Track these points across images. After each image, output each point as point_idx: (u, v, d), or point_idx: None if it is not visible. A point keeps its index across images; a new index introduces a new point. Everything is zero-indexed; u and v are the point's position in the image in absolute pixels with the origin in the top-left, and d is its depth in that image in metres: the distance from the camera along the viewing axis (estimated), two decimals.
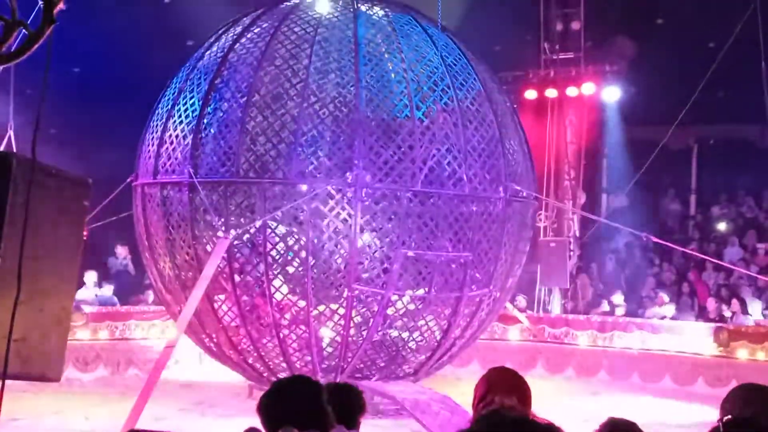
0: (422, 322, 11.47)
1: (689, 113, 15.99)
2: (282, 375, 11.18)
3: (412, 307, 11.39)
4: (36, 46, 3.97)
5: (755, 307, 15.19)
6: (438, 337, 11.53)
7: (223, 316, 11.16)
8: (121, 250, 16.01)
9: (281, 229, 11.05)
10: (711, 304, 15.32)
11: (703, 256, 16.04)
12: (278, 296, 10.98)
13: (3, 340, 4.17)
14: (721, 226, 19.26)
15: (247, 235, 10.98)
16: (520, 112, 15.52)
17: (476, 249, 11.29)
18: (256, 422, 10.57)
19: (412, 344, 11.57)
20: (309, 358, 11.12)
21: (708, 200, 20.68)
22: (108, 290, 15.27)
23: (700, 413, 11.66)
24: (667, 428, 11.03)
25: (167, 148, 11.31)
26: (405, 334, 11.48)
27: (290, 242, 11.07)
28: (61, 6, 4.11)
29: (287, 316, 11.18)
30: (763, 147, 20.26)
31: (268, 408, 3.30)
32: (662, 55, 17.81)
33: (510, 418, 1.34)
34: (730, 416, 3.14)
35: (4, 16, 3.98)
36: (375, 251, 11.11)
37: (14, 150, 11.20)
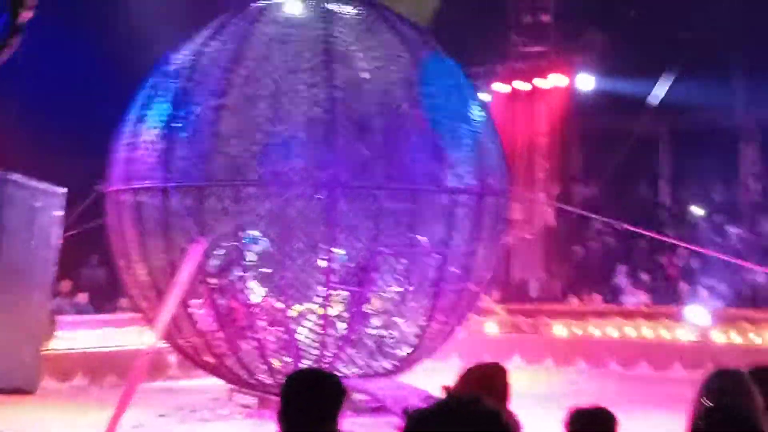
0: (400, 318, 11.49)
1: (660, 101, 16.14)
2: (261, 377, 11.17)
3: (390, 304, 11.41)
4: (4, 57, 3.95)
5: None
6: (417, 333, 11.56)
7: (200, 321, 11.12)
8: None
9: (256, 232, 11.02)
10: (684, 287, 15.48)
11: (676, 242, 16.19)
12: (255, 299, 10.95)
13: None
14: (698, 211, 19.45)
15: (221, 239, 10.93)
16: (491, 105, 15.60)
17: (452, 244, 11.32)
18: (238, 427, 10.58)
19: (391, 341, 11.59)
20: (288, 360, 11.10)
21: (679, 186, 20.87)
22: (82, 299, 15.17)
23: (679, 397, 11.75)
24: (648, 411, 11.13)
25: (139, 153, 11.23)
26: (383, 331, 11.50)
27: (266, 244, 11.04)
28: (27, 15, 4.09)
29: (264, 317, 11.15)
30: (731, 132, 20.44)
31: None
32: (631, 44, 17.94)
33: (459, 401, 1.36)
34: (709, 404, 3.19)
35: None
36: (352, 250, 11.10)
37: None
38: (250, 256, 10.94)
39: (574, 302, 16.12)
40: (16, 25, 3.91)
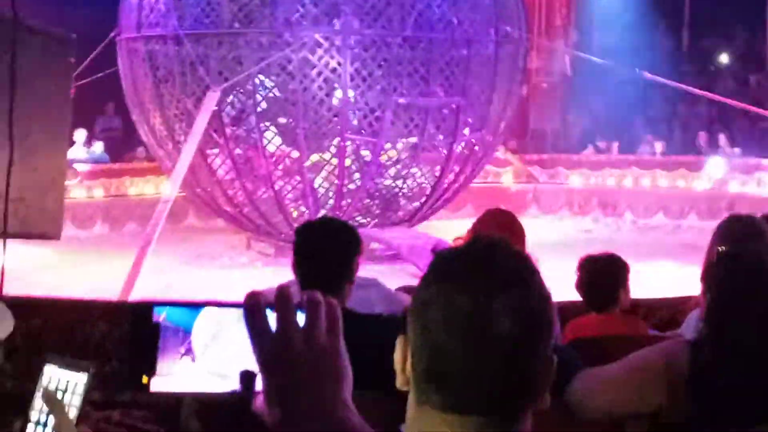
0: (415, 168, 11.53)
1: None
2: (279, 225, 11.32)
3: (404, 154, 11.42)
4: None
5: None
6: (431, 183, 11.62)
7: (217, 170, 11.19)
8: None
9: (269, 83, 10.93)
10: (702, 137, 15.39)
11: (696, 90, 15.97)
12: (271, 148, 10.98)
13: (0, 200, 4.19)
14: (723, 59, 19.08)
15: (236, 88, 10.87)
16: None
17: (468, 93, 11.21)
18: (256, 274, 10.74)
19: (406, 191, 11.67)
20: (304, 209, 11.22)
21: (701, 33, 20.41)
22: (98, 148, 15.24)
23: (692, 245, 11.88)
24: (662, 260, 11.29)
25: (149, 1, 11.04)
26: (399, 182, 11.56)
27: (279, 93, 10.98)
28: None
29: (281, 167, 11.21)
30: None
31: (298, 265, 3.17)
32: None
33: (487, 240, 1.35)
34: (723, 247, 3.22)
35: None
36: (366, 99, 11.03)
37: None
38: (265, 105, 10.90)
39: (590, 152, 16.08)
40: None
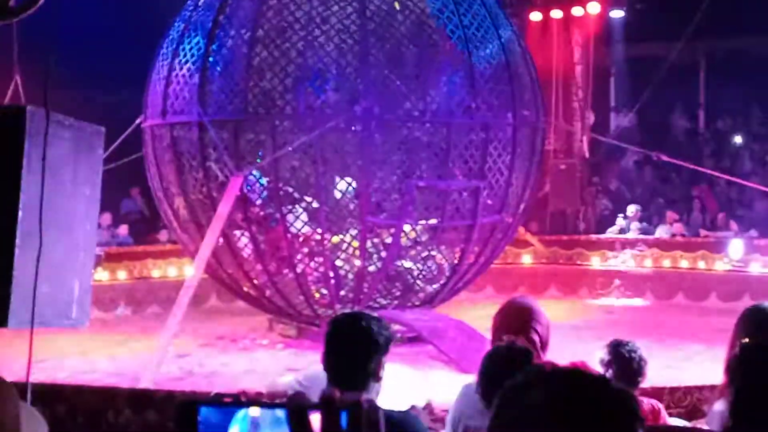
0: (435, 251, 11.58)
1: (696, 28, 15.80)
2: (301, 307, 11.36)
3: (424, 236, 11.50)
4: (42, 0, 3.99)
5: None
6: (452, 265, 11.65)
7: (239, 253, 11.29)
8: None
9: (293, 164, 11.11)
10: (722, 219, 15.39)
11: (713, 172, 16.05)
12: (293, 230, 11.08)
13: (28, 290, 4.27)
14: (737, 140, 19.18)
15: (259, 172, 11.04)
16: (525, 35, 15.40)
17: (487, 176, 11.33)
18: (277, 357, 10.77)
19: (426, 273, 11.71)
20: (326, 291, 11.27)
21: (716, 115, 20.57)
22: (123, 231, 15.42)
23: (716, 326, 11.81)
24: (683, 338, 11.22)
25: (174, 88, 11.30)
26: (419, 264, 11.61)
27: (301, 176, 11.14)
28: None
29: (304, 249, 11.29)
30: None
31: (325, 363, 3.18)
32: None
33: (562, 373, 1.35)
34: (746, 339, 3.22)
35: None
36: (386, 183, 11.16)
37: (22, 97, 11.20)
38: (288, 189, 11.04)
39: (610, 233, 16.09)
40: None
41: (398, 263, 11.49)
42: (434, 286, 11.79)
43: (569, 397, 1.29)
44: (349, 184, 11.12)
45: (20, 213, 4.32)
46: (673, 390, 4.94)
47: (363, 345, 3.11)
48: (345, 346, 3.12)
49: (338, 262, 11.31)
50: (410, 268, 11.63)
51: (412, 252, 11.58)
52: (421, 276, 11.71)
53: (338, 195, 11.12)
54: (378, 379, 3.13)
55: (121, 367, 10.13)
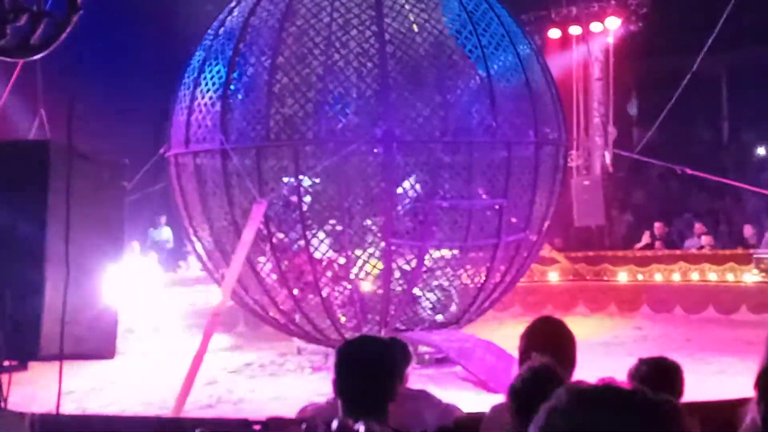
0: (461, 270, 11.56)
1: (717, 39, 15.74)
2: (328, 332, 11.35)
3: (450, 256, 11.48)
4: (64, 35, 4.04)
5: None
6: (478, 285, 11.62)
7: (265, 279, 11.32)
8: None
9: (316, 188, 11.15)
10: (748, 230, 15.25)
11: (738, 184, 15.91)
12: (318, 254, 11.10)
13: (57, 323, 4.30)
14: (761, 151, 19.05)
15: (282, 197, 11.09)
16: (545, 52, 15.39)
17: (510, 194, 11.31)
18: (305, 382, 10.74)
19: (452, 293, 11.68)
20: (352, 314, 11.27)
21: (740, 127, 20.43)
22: (151, 259, 15.52)
23: (746, 339, 11.69)
24: (715, 352, 11.10)
25: (197, 117, 11.39)
26: (445, 284, 11.59)
27: (325, 200, 11.17)
28: None
29: (328, 273, 11.31)
30: None
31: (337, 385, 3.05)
32: None
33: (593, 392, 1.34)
34: None
35: (31, 7, 4.06)
36: (410, 204, 11.17)
37: (47, 131, 11.36)
38: (311, 213, 11.07)
39: (636, 248, 15.99)
40: (74, 4, 3.99)
41: (424, 284, 11.48)
42: (461, 305, 11.76)
43: (615, 417, 1.29)
44: (413, 186, 11.08)
45: (47, 246, 4.37)
46: (706, 404, 4.87)
47: (383, 368, 3.02)
48: (359, 371, 3.01)
49: (363, 285, 11.31)
50: (436, 287, 11.61)
51: (438, 272, 11.56)
52: (447, 296, 11.70)
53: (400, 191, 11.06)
54: (395, 400, 3.00)
55: (149, 397, 10.16)
